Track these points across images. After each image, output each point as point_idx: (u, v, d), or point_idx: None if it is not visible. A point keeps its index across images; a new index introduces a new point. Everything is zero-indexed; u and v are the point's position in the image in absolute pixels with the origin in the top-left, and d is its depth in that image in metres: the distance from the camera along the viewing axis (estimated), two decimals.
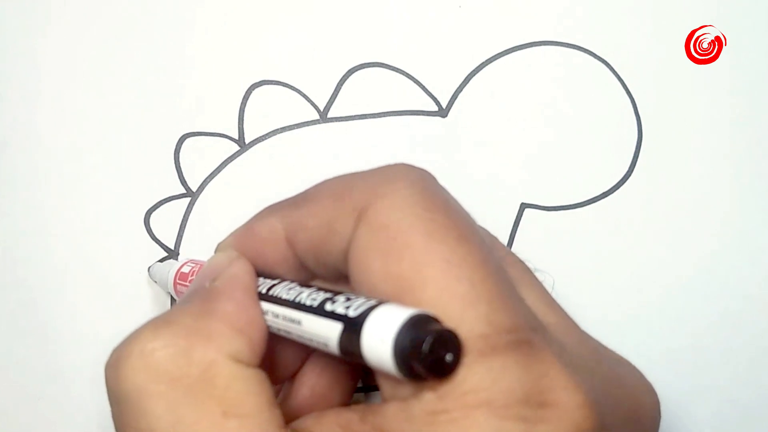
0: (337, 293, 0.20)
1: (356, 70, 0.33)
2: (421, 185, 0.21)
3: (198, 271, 0.26)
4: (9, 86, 0.33)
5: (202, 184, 0.32)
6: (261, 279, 0.22)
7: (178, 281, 0.28)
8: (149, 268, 0.31)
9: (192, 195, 0.32)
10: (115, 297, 0.32)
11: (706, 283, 0.32)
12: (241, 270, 0.22)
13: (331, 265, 0.21)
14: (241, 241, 0.23)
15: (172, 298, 0.32)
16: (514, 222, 0.32)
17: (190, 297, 0.22)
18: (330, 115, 0.32)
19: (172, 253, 0.32)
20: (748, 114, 0.32)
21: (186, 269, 0.28)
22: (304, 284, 0.21)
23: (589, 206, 0.32)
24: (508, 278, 0.20)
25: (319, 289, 0.20)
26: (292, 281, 0.22)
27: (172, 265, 0.29)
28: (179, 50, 0.33)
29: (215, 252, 0.24)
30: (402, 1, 0.33)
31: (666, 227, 0.32)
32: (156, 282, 0.31)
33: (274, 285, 0.22)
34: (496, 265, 0.20)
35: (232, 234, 0.24)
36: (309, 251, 0.22)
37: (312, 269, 0.22)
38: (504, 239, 0.32)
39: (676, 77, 0.32)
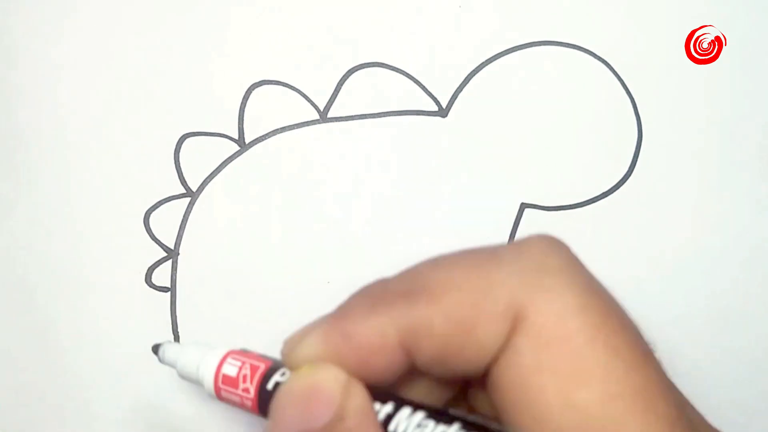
0: None
1: (356, 70, 0.33)
2: (582, 279, 0.17)
3: (250, 373, 0.21)
4: (9, 86, 0.33)
5: (202, 184, 0.32)
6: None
7: (222, 387, 0.22)
8: (157, 348, 0.25)
9: (192, 195, 0.32)
10: (115, 297, 0.32)
11: (707, 283, 0.32)
12: (366, 402, 0.17)
13: (459, 372, 0.18)
14: (336, 347, 0.18)
15: (172, 302, 0.32)
16: (514, 222, 0.32)
17: None
18: (330, 115, 0.32)
19: (172, 253, 0.32)
20: (748, 114, 0.32)
21: (231, 371, 0.22)
22: (433, 412, 0.17)
23: (589, 206, 0.32)
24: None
25: (463, 426, 0.16)
26: (414, 406, 0.17)
27: (205, 359, 0.23)
28: (179, 50, 0.33)
29: (287, 350, 0.20)
30: (402, 1, 0.33)
31: (666, 227, 0.32)
32: (174, 368, 0.25)
33: (391, 415, 0.17)
34: (679, 396, 0.17)
35: (314, 332, 0.19)
36: (435, 359, 0.18)
37: (426, 371, 0.18)
38: (504, 239, 0.32)
39: (676, 77, 0.32)
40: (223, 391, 0.22)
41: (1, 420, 0.32)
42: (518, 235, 0.32)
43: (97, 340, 0.32)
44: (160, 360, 0.25)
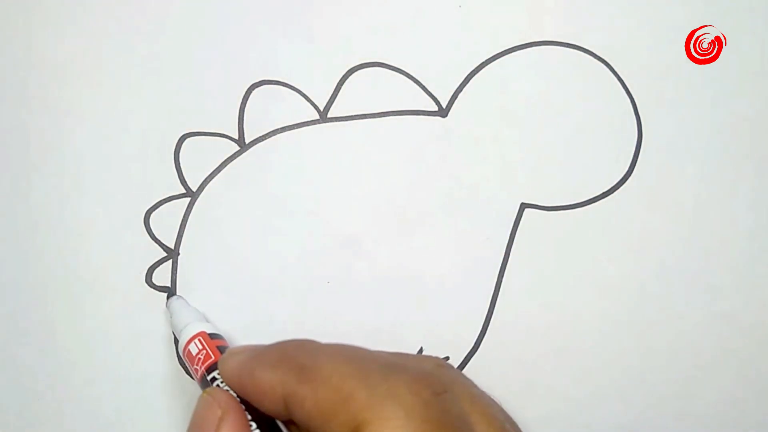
0: None
1: (356, 70, 0.33)
2: (421, 414, 0.21)
3: (204, 359, 0.28)
4: (9, 86, 0.33)
5: (202, 184, 0.32)
6: None
7: (186, 357, 0.29)
8: (168, 300, 0.32)
9: (192, 195, 0.32)
10: (115, 297, 0.32)
11: (707, 283, 0.32)
12: (236, 427, 0.24)
13: None
14: (241, 378, 0.25)
15: (168, 295, 0.32)
16: (514, 222, 0.32)
17: None
18: (330, 115, 0.33)
19: (172, 253, 0.32)
20: (748, 114, 0.32)
21: (194, 349, 0.28)
22: None
23: (589, 206, 0.32)
24: None
25: None
26: None
27: (186, 329, 0.29)
28: (179, 50, 0.33)
29: (222, 358, 0.26)
30: (402, 1, 0.33)
31: (666, 227, 0.32)
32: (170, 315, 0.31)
33: None
34: None
35: (239, 358, 0.25)
36: (303, 425, 0.23)
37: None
38: (504, 239, 0.32)
39: (676, 77, 0.32)
40: (185, 360, 0.29)
41: (1, 420, 0.32)
42: (518, 235, 0.32)
43: (97, 340, 0.32)
44: (167, 307, 0.32)
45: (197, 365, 0.28)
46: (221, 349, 0.28)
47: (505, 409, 0.27)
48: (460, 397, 0.24)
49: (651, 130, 0.32)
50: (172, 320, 0.31)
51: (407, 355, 0.28)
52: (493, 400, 0.26)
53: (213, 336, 0.29)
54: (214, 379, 0.27)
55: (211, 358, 0.28)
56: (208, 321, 0.31)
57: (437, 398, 0.22)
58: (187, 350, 0.29)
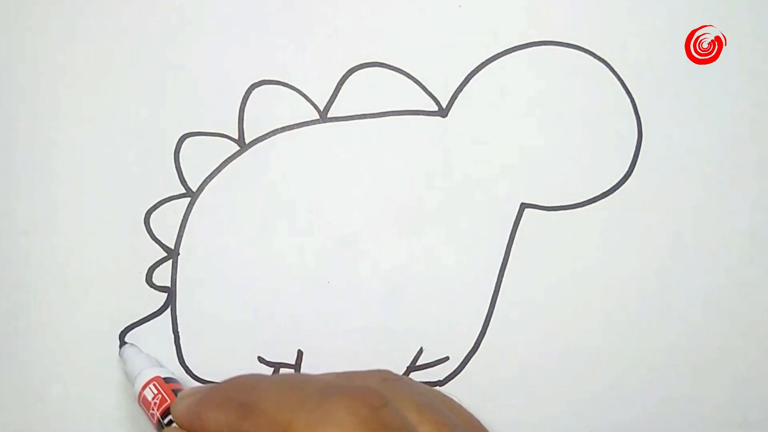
0: None
1: (356, 70, 0.33)
2: None
3: (159, 403, 0.28)
4: (8, 86, 0.33)
5: (202, 184, 0.32)
6: None
7: (142, 403, 0.29)
8: (121, 348, 0.32)
9: (192, 195, 0.32)
10: (115, 297, 0.32)
11: (707, 283, 0.32)
12: None
13: None
14: (191, 421, 0.26)
15: (172, 302, 0.32)
16: (514, 222, 0.32)
17: None
18: (330, 114, 0.33)
19: (172, 253, 0.32)
20: (748, 114, 0.32)
21: (149, 395, 0.29)
22: None
23: (589, 206, 0.32)
24: None
25: None
26: None
27: (140, 375, 0.30)
28: (179, 50, 0.33)
29: (174, 402, 0.28)
30: (402, 1, 0.33)
31: (666, 227, 0.32)
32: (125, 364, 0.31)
33: None
34: None
35: (189, 400, 0.27)
36: None
37: None
38: (504, 239, 0.32)
39: (676, 77, 0.32)
40: (141, 406, 0.29)
41: (1, 420, 0.32)
42: (518, 235, 0.32)
43: (98, 340, 0.32)
44: (120, 355, 0.32)
45: (153, 410, 0.29)
46: (177, 393, 0.29)
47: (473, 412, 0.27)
48: (405, 408, 0.24)
49: (651, 130, 0.32)
50: (125, 368, 0.31)
51: (353, 373, 0.28)
52: (450, 405, 0.27)
53: (168, 380, 0.30)
54: (170, 422, 0.28)
55: (166, 401, 0.28)
56: (162, 366, 0.31)
57: (376, 413, 0.22)
58: (142, 396, 0.29)
